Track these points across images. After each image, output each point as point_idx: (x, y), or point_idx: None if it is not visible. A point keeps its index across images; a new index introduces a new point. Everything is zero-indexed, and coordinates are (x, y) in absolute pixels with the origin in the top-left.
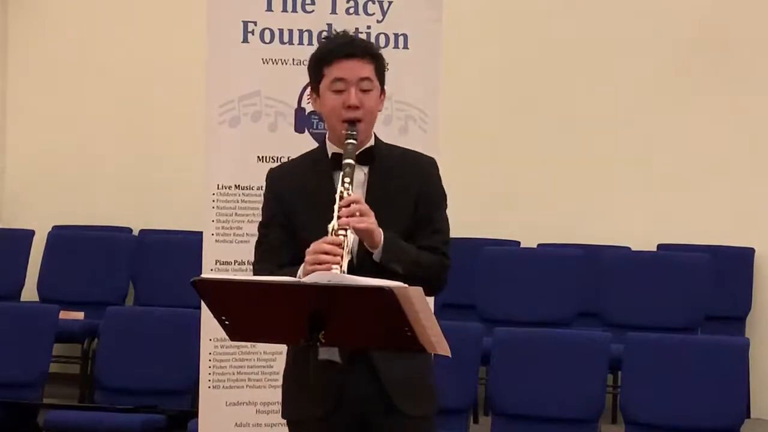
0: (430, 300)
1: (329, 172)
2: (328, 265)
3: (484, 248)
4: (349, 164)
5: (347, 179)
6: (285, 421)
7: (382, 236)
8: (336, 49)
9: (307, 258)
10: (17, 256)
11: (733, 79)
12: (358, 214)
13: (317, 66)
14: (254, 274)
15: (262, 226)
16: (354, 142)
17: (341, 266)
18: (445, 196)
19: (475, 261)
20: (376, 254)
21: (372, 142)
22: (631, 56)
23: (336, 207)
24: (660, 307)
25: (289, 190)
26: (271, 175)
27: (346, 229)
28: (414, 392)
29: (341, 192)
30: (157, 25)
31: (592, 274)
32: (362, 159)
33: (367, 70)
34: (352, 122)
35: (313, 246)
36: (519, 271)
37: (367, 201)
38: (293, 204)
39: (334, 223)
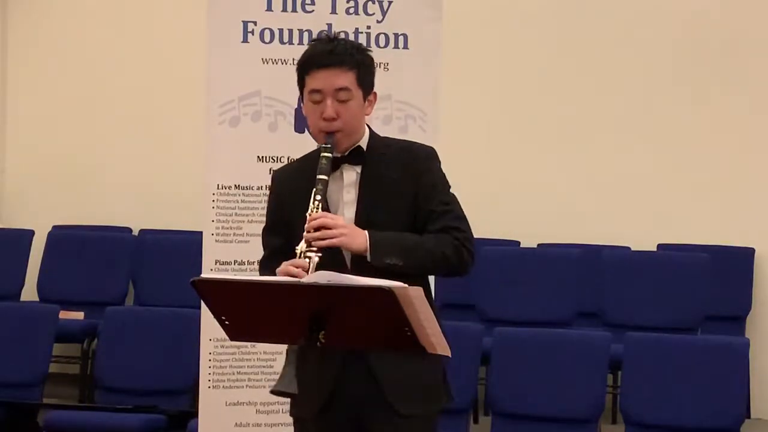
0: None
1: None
2: None
3: (484, 248)
4: (321, 180)
5: (318, 197)
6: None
7: (367, 238)
8: (313, 58)
9: None
10: (17, 256)
11: (733, 79)
12: (322, 228)
13: (299, 73)
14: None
15: (265, 230)
16: (329, 155)
17: None
18: (446, 182)
19: (475, 261)
20: (368, 257)
21: (364, 140)
22: (632, 56)
23: (305, 227)
24: (660, 307)
25: (287, 194)
26: (274, 177)
27: (313, 251)
28: (412, 391)
29: (310, 210)
30: (157, 25)
31: (592, 274)
32: (353, 159)
33: (344, 79)
34: (330, 133)
35: (281, 268)
36: (519, 271)
37: (359, 201)
38: (289, 208)
39: (302, 245)
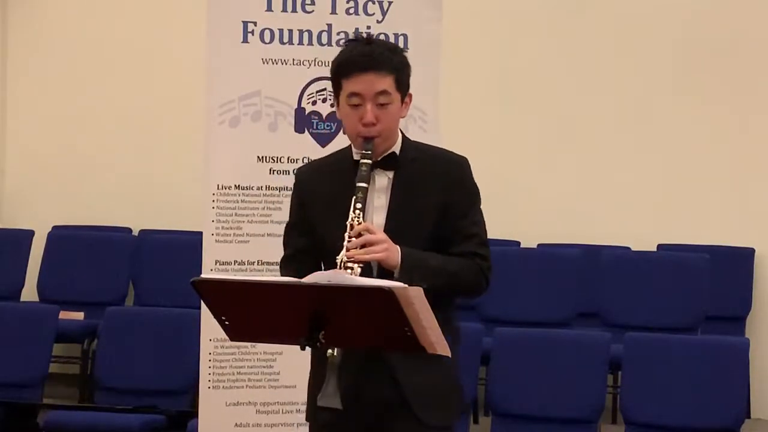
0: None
1: (351, 178)
2: None
3: None
4: (361, 188)
5: (359, 205)
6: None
7: (400, 255)
8: (352, 61)
9: None
10: (17, 256)
11: (733, 79)
12: (367, 244)
13: (335, 76)
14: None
15: (287, 228)
16: (369, 162)
17: None
18: (478, 196)
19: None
20: (396, 274)
21: (398, 145)
22: (631, 56)
23: (346, 236)
24: (660, 307)
25: (311, 194)
26: (298, 176)
27: (354, 262)
28: (434, 400)
29: (351, 219)
30: (157, 25)
31: (592, 274)
32: (386, 164)
33: (384, 83)
34: (369, 139)
35: None
36: (519, 271)
37: (389, 206)
38: (314, 209)
39: (342, 255)
